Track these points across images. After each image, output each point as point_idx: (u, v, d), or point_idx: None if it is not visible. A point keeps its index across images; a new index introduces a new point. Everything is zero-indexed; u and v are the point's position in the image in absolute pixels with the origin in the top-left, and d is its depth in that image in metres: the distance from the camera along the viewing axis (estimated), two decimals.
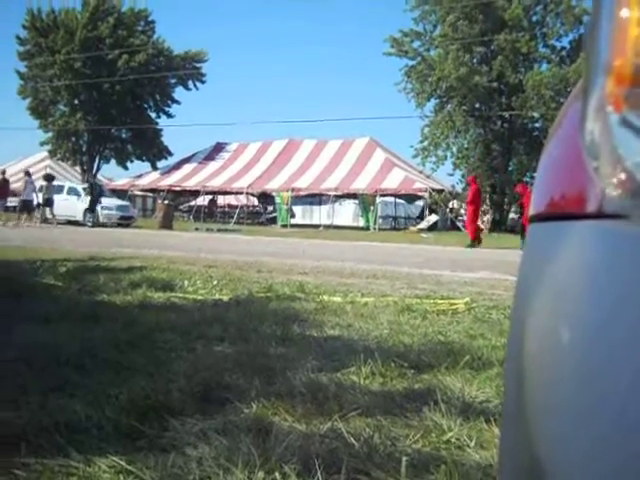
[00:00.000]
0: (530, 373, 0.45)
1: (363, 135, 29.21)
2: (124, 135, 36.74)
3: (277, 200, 27.49)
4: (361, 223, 29.13)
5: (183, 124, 62.15)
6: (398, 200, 29.62)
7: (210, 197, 28.63)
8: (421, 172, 26.64)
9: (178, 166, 31.34)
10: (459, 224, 24.19)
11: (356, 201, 30.38)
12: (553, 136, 0.55)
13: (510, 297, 3.76)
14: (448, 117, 25.85)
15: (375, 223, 24.40)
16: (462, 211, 26.75)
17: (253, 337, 2.70)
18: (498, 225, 25.51)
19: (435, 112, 26.82)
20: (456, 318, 3.47)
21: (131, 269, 5.33)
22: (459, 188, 25.52)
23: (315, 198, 32.03)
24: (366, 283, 5.22)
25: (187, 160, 31.93)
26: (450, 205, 26.03)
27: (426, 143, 26.61)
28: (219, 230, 18.12)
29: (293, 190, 26.02)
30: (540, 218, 0.51)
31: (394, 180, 24.61)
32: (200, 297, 3.94)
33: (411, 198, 28.42)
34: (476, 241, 13.16)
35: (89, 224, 18.16)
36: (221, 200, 35.51)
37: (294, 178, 26.84)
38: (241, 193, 28.81)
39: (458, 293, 4.65)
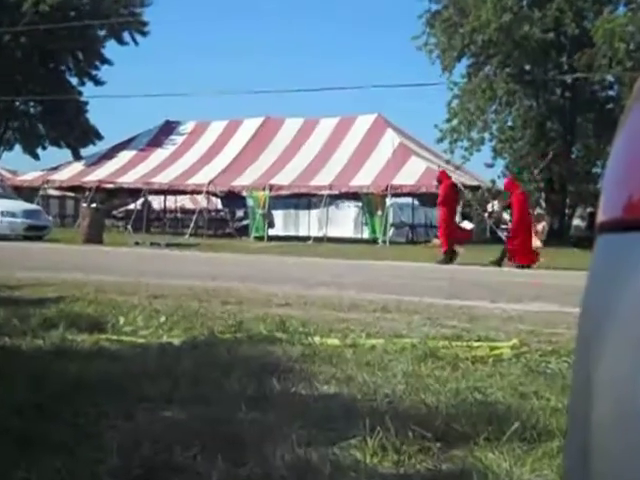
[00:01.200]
0: (600, 449, 0.44)
1: (368, 112, 29.49)
2: (32, 110, 36.54)
3: (249, 202, 27.61)
4: (365, 234, 29.23)
5: (117, 94, 62.41)
6: (416, 202, 29.86)
7: (143, 199, 28.56)
8: (448, 162, 26.89)
9: (111, 154, 31.40)
10: (501, 234, 24.32)
11: (359, 203, 30.53)
12: (632, 110, 0.53)
13: (575, 338, 3.79)
14: (486, 84, 26.01)
15: (385, 234, 24.55)
16: (506, 216, 26.92)
17: (215, 396, 2.69)
18: (557, 236, 25.53)
19: (468, 77, 27.10)
20: (499, 368, 3.47)
21: (43, 301, 5.32)
22: (501, 184, 25.64)
23: (302, 200, 32.12)
24: (373, 319, 5.23)
25: (124, 146, 31.99)
26: (489, 208, 26.19)
27: (455, 122, 26.89)
28: (169, 245, 18.12)
29: (272, 188, 26.13)
30: (614, 226, 0.49)
31: (411, 173, 24.78)
32: (141, 340, 3.94)
33: (434, 198, 28.64)
34: (449, 255, 13.69)
35: None
36: (171, 202, 35.65)
37: (273, 171, 26.99)
38: (199, 192, 28.94)
39: (501, 333, 4.66)
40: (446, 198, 14.21)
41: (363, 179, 25.20)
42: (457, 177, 24.74)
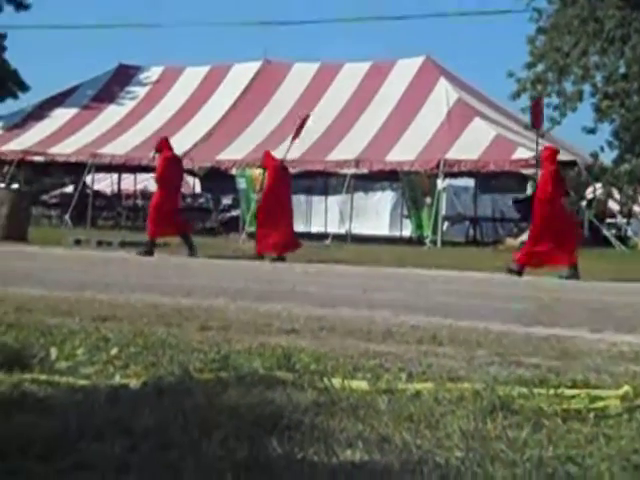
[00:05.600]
0: None
1: (412, 54, 29.47)
2: None
3: (240, 184, 27.67)
4: (407, 231, 29.19)
5: (48, 24, 62.62)
6: (480, 185, 29.70)
7: (86, 179, 28.59)
8: (529, 127, 26.76)
9: (40, 114, 31.70)
10: (607, 233, 24.19)
11: (397, 186, 30.44)
12: None
13: None
14: (587, 11, 25.79)
15: (435, 231, 24.60)
16: (614, 205, 26.76)
17: (189, 464, 2.69)
18: None
19: (561, 1, 26.83)
20: (604, 428, 3.44)
21: None
22: (607, 158, 25.46)
23: (316, 181, 32.12)
24: (417, 353, 5.24)
25: (59, 101, 32.29)
26: (589, 193, 26.07)
27: (540, 67, 26.74)
28: (124, 244, 18.13)
29: None
30: None
31: (474, 143, 24.73)
32: (83, 382, 3.94)
33: (508, 181, 28.53)
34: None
35: None
36: (128, 184, 35.80)
37: (274, 140, 26.97)
38: None
39: (606, 376, 4.64)
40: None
41: (404, 152, 25.18)
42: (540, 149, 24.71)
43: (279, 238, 15.63)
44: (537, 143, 17.21)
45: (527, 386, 4.10)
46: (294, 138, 17.69)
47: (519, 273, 13.33)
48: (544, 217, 13.68)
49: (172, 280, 10.78)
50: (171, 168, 16.45)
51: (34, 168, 31.75)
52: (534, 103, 17.61)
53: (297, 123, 18.23)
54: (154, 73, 32.57)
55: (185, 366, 4.29)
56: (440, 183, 24.89)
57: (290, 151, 17.77)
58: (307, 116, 18.74)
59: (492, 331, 6.35)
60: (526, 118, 26.90)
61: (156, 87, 31.61)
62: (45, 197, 33.93)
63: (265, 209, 16.48)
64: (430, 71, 28.24)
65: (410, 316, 7.12)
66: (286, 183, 16.74)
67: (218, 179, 30.07)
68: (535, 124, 17.56)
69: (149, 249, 15.70)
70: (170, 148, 16.73)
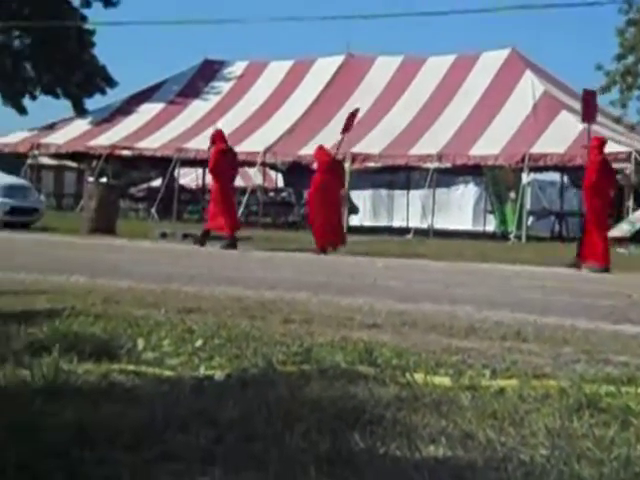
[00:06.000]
0: None
1: (497, 47, 29.11)
2: (17, 43, 37.25)
3: None
4: (490, 226, 28.89)
5: (136, 20, 63.69)
6: (567, 179, 29.17)
7: (173, 173, 28.94)
8: (619, 121, 26.21)
9: (128, 108, 32.18)
10: None
11: (480, 181, 30.13)
12: None
13: None
14: None
15: (520, 226, 24.30)
16: None
17: (273, 456, 2.70)
18: None
19: None
20: None
21: (31, 316, 5.42)
22: None
23: (398, 176, 32.04)
24: (501, 349, 5.20)
25: (146, 96, 32.72)
26: None
27: (631, 59, 26.19)
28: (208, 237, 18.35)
29: (354, 159, 26.25)
30: None
31: (561, 137, 24.31)
32: (169, 372, 3.99)
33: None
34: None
35: None
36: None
37: (356, 135, 26.95)
38: (252, 165, 29.28)
39: None
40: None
41: (488, 146, 24.97)
42: (633, 143, 24.19)
43: (332, 234, 15.93)
44: (588, 137, 16.77)
45: (615, 384, 4.04)
46: (344, 132, 17.63)
47: (606, 269, 13.17)
48: (590, 207, 14.19)
49: (256, 273, 10.87)
50: (224, 160, 16.66)
51: (122, 162, 32.29)
52: (586, 95, 17.10)
53: (346, 117, 18.18)
54: (238, 68, 32.80)
55: (268, 358, 4.31)
56: (525, 177, 24.61)
57: (342, 146, 17.73)
58: (356, 110, 18.73)
59: (579, 328, 6.26)
60: (615, 111, 26.41)
61: (240, 82, 31.84)
62: (132, 190, 34.48)
63: (314, 205, 16.66)
64: (516, 63, 27.89)
65: (493, 312, 7.06)
66: (336, 179, 16.79)
67: (300, 173, 30.13)
68: (585, 118, 17.12)
69: (202, 239, 16.27)
70: (224, 140, 16.96)
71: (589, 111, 17.08)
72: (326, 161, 16.61)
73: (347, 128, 17.66)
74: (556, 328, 6.20)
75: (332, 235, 15.86)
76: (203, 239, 16.33)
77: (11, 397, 3.40)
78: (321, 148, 17.13)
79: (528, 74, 27.00)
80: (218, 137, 17.00)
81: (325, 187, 16.23)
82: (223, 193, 16.62)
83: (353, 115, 18.02)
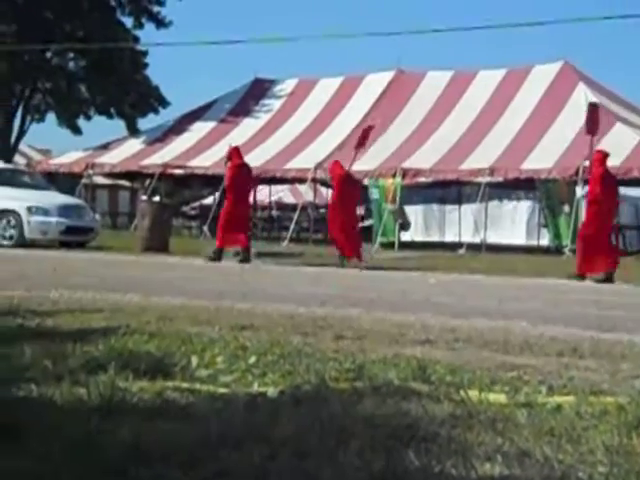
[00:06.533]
0: None
1: (550, 59, 28.91)
2: (71, 65, 37.81)
3: (373, 194, 27.80)
4: (544, 240, 28.58)
5: (188, 41, 64.38)
6: (622, 191, 28.85)
7: (219, 194, 29.26)
8: None
9: (180, 128, 32.52)
10: None
11: (533, 195, 29.83)
12: None
13: None
14: None
15: (575, 240, 23.88)
16: None
17: (327, 474, 2.70)
18: None
19: None
20: None
21: (87, 334, 5.47)
22: None
23: (450, 190, 31.89)
24: (558, 365, 5.15)
25: (198, 115, 33.08)
26: None
27: None
28: (260, 255, 18.43)
29: (405, 174, 26.28)
30: None
31: (616, 149, 23.97)
32: (223, 390, 4.00)
33: None
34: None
35: (6, 242, 19.03)
36: (263, 195, 36.31)
37: (407, 150, 27.06)
38: (303, 181, 29.43)
39: None
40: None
41: (541, 159, 24.76)
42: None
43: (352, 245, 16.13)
44: (591, 149, 16.56)
45: None
46: (357, 148, 17.63)
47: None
48: (592, 219, 14.51)
49: (305, 287, 10.88)
50: (241, 176, 16.88)
51: (174, 181, 32.56)
52: (591, 108, 16.86)
53: (361, 133, 18.23)
54: (288, 85, 32.98)
55: (321, 375, 4.31)
56: (579, 191, 24.34)
57: (356, 161, 17.73)
58: (370, 127, 18.78)
59: (637, 344, 6.17)
60: None
61: (290, 99, 32.00)
62: (185, 208, 34.78)
63: (332, 220, 16.73)
64: (568, 76, 27.69)
65: (548, 327, 7.00)
66: (352, 193, 16.88)
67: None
68: (589, 130, 16.90)
69: (217, 256, 16.29)
70: (240, 157, 17.14)
71: (593, 124, 16.93)
72: (340, 175, 16.68)
73: (361, 144, 17.72)
74: (613, 344, 6.12)
75: (348, 247, 16.08)
76: (217, 256, 16.42)
77: (68, 415, 3.42)
78: (336, 162, 17.26)
79: (581, 86, 26.78)
80: (234, 153, 17.23)
81: (340, 200, 16.43)
82: (238, 208, 16.77)
83: (367, 131, 18.07)
